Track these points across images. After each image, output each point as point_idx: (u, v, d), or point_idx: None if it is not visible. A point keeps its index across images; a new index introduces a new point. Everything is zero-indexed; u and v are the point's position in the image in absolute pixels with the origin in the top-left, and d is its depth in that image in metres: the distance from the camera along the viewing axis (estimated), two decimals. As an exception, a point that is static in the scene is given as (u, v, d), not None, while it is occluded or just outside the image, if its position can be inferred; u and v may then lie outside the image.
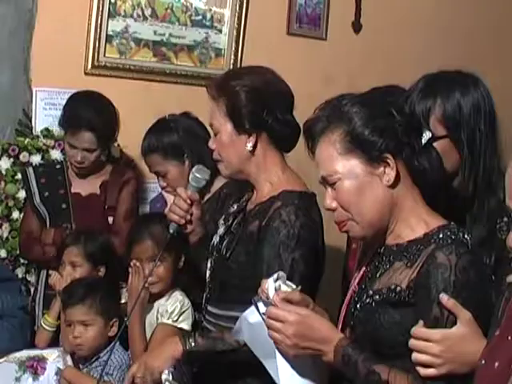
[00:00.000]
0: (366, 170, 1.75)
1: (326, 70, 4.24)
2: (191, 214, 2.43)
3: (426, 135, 1.80)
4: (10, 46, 3.73)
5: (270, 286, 1.80)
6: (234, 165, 2.30)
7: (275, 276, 1.82)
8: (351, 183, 1.75)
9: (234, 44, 4.11)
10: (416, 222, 1.78)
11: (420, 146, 1.78)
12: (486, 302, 1.67)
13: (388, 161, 1.74)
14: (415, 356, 1.63)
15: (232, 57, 4.11)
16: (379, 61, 4.37)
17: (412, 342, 1.64)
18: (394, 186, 1.76)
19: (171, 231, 2.44)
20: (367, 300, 1.78)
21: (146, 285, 2.65)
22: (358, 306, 1.81)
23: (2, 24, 3.70)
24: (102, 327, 2.76)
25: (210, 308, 2.40)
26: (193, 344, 2.22)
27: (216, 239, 2.41)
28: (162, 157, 3.03)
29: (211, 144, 2.36)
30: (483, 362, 1.47)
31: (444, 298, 1.62)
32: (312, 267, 2.18)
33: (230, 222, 2.39)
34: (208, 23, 4.06)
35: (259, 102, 2.24)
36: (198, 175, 2.47)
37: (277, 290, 1.79)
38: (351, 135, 1.74)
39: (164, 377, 2.23)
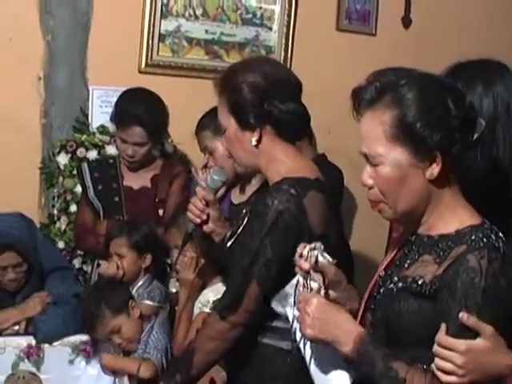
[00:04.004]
0: (411, 161, 1.70)
1: (376, 66, 4.15)
2: (208, 214, 2.44)
3: (479, 128, 1.73)
4: (68, 47, 3.88)
5: (308, 254, 1.80)
6: (243, 161, 2.29)
7: (313, 245, 1.81)
8: (393, 171, 1.70)
9: (283, 41, 4.18)
10: (450, 217, 1.74)
11: (471, 142, 1.71)
12: None
13: (435, 158, 1.69)
14: (438, 362, 1.62)
15: (282, 53, 4.18)
16: (429, 56, 4.32)
17: (436, 349, 1.62)
18: (435, 180, 1.71)
19: (189, 230, 2.50)
20: (390, 286, 1.77)
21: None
22: (381, 290, 1.81)
23: (61, 26, 3.86)
24: (129, 321, 2.90)
25: None
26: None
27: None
28: (213, 133, 3.06)
29: (222, 142, 2.37)
30: None
31: (464, 316, 1.60)
32: (286, 253, 2.06)
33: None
34: (258, 21, 4.15)
35: (259, 96, 2.19)
36: (214, 177, 2.47)
37: (312, 257, 1.79)
38: (402, 123, 1.68)
39: None
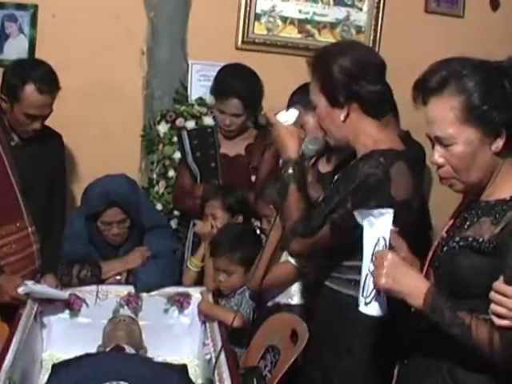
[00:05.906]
0: (481, 139, 1.88)
1: (464, 48, 4.03)
2: None
3: None
4: (170, 23, 4.11)
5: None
6: (334, 134, 2.48)
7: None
8: (465, 150, 1.89)
9: (373, 22, 4.32)
10: (506, 184, 1.93)
11: None
12: None
13: (501, 132, 1.88)
14: (493, 307, 1.78)
15: (372, 34, 4.32)
16: (517, 38, 4.40)
17: (492, 294, 1.77)
18: (499, 152, 1.90)
19: None
20: (453, 244, 1.97)
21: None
22: (444, 249, 2.01)
23: (163, 4, 4.09)
24: (241, 274, 3.11)
25: None
26: None
27: None
28: (303, 108, 3.14)
29: (313, 117, 2.58)
30: None
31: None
32: None
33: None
34: (349, 2, 4.30)
35: (348, 77, 2.37)
36: (309, 146, 2.64)
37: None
38: (470, 107, 1.86)
39: None
